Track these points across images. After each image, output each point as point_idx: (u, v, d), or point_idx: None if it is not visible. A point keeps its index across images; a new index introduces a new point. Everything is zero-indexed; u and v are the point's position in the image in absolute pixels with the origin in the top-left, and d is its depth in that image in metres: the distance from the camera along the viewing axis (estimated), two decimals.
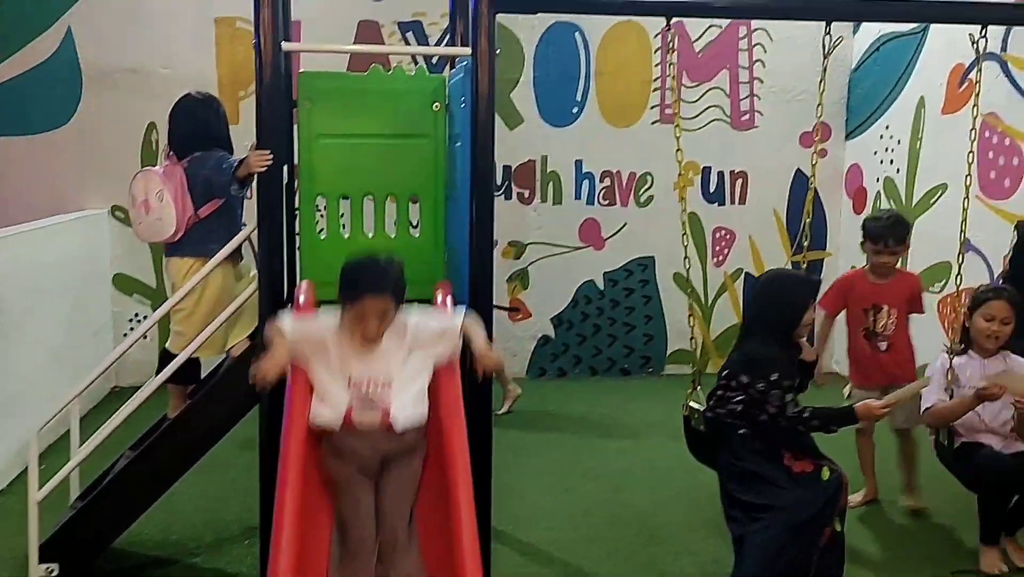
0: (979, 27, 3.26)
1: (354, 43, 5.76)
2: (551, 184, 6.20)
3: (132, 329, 5.64)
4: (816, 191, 6.35)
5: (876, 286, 4.10)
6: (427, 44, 5.97)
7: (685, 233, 3.49)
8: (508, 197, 6.17)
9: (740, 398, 3.03)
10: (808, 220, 3.53)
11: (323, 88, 3.57)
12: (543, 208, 6.21)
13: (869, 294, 4.08)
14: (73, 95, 5.65)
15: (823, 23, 3.42)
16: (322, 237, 3.62)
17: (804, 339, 3.24)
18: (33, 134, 5.63)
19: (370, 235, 3.67)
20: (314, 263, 3.61)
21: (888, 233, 4.04)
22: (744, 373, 3.03)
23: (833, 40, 3.32)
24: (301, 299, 2.99)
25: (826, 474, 3.02)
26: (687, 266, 3.47)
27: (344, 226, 3.64)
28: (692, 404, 3.31)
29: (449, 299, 3.06)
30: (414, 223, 3.70)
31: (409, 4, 5.89)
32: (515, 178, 6.17)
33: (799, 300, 3.12)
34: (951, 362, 3.58)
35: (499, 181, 6.14)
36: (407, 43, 5.93)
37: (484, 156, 3.14)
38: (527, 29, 5.99)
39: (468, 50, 3.11)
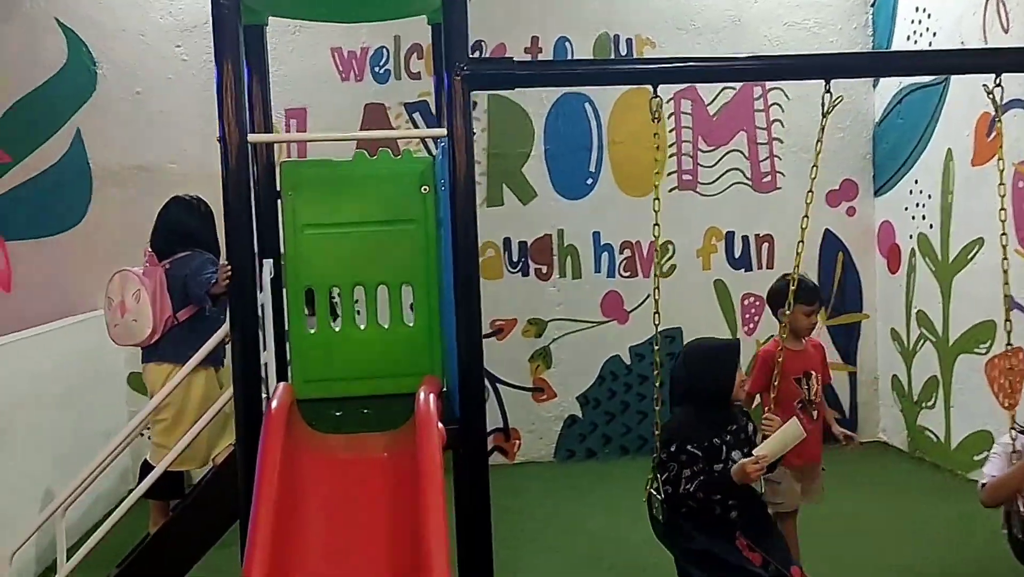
0: (993, 75, 3.03)
1: (360, 127, 5.72)
2: (569, 258, 6.02)
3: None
4: (848, 251, 6.18)
5: (800, 353, 3.81)
6: (436, 125, 5.88)
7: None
8: (525, 274, 6.00)
9: (664, 476, 2.99)
10: (794, 282, 3.27)
11: (306, 177, 3.47)
12: (562, 283, 6.03)
13: (797, 363, 3.75)
14: (83, 196, 5.66)
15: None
16: (312, 332, 3.47)
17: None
18: (44, 237, 5.62)
19: (362, 327, 3.53)
20: (304, 360, 3.47)
21: (814, 293, 3.90)
22: (661, 449, 3.02)
23: (833, 99, 3.10)
24: (274, 404, 2.81)
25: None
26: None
27: (335, 319, 3.49)
28: (652, 491, 3.06)
29: (432, 397, 2.85)
30: (408, 312, 3.54)
31: (414, 85, 5.84)
32: (532, 254, 6.00)
33: (728, 366, 3.08)
34: (1016, 444, 3.18)
35: (515, 258, 5.98)
36: (414, 125, 5.87)
37: (466, 237, 2.96)
38: (536, 102, 5.89)
39: (444, 131, 2.96)
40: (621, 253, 6.05)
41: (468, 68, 2.90)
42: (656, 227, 3.14)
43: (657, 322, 3.15)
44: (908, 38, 5.75)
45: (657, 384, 3.18)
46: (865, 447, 4.43)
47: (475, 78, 2.93)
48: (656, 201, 3.15)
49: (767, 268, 6.10)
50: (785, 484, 3.69)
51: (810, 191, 3.14)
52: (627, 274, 6.06)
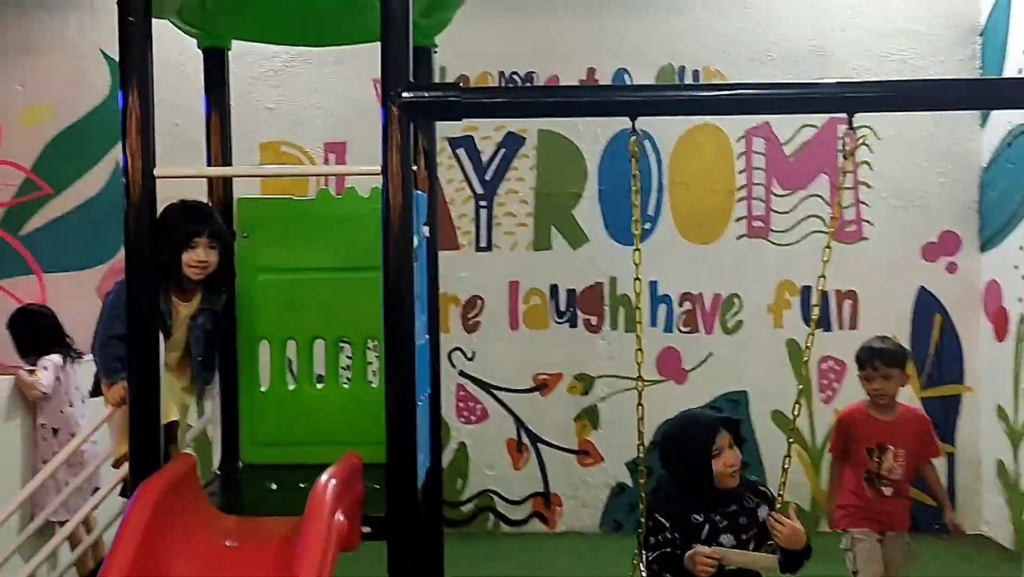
0: None
1: None
2: (622, 309, 5.48)
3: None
4: (947, 313, 5.38)
5: (881, 423, 3.59)
6: (479, 162, 5.51)
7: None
8: (573, 325, 5.50)
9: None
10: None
11: (263, 215, 3.13)
12: (613, 336, 5.48)
13: (872, 433, 3.59)
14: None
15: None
16: (263, 389, 3.11)
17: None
18: (79, 270, 5.53)
19: (319, 386, 3.14)
20: (254, 420, 3.11)
21: (875, 355, 3.60)
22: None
23: (856, 139, 2.53)
24: (147, 482, 2.40)
25: None
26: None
27: (291, 376, 3.12)
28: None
29: (332, 482, 2.39)
30: (372, 371, 3.13)
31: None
32: (580, 303, 5.49)
33: (700, 445, 2.68)
34: None
35: (563, 307, 5.49)
36: (457, 161, 5.50)
37: (397, 290, 2.52)
38: (589, 139, 5.43)
39: (378, 169, 2.53)
40: (680, 306, 5.46)
41: (407, 95, 2.48)
42: (637, 281, 2.67)
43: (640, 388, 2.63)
44: (1021, 71, 4.97)
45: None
46: (962, 539, 3.79)
47: (415, 107, 2.51)
48: (636, 252, 2.66)
49: (849, 328, 5.37)
50: (867, 546, 3.55)
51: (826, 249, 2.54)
52: (687, 329, 5.46)
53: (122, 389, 2.72)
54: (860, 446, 3.60)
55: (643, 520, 2.69)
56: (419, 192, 3.14)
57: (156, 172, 2.58)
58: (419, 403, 2.78)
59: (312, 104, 5.45)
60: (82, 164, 5.52)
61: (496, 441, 5.50)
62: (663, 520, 2.68)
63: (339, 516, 2.32)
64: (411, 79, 2.52)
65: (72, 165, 5.52)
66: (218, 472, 3.13)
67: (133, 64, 2.56)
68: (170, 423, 2.78)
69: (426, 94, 2.54)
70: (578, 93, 2.80)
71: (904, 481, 3.59)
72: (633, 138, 2.57)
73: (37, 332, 4.46)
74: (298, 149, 5.48)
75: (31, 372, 4.28)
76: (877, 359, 3.58)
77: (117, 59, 5.59)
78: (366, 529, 2.54)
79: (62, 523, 3.74)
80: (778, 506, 2.68)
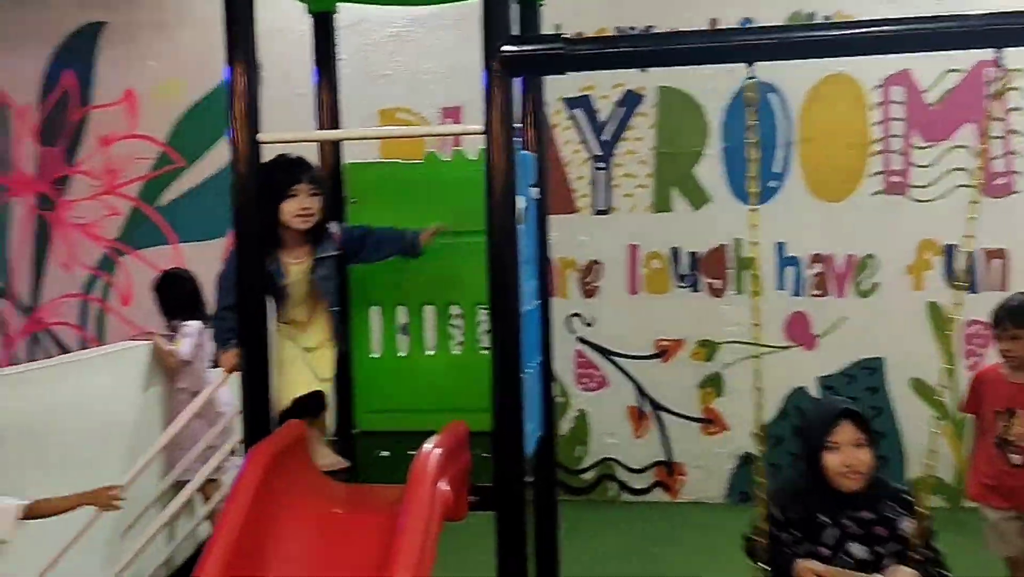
0: None
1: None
2: (746, 272, 5.25)
3: None
4: None
5: (1012, 385, 3.36)
6: (596, 122, 5.36)
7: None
8: (695, 289, 5.31)
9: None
10: None
11: (371, 181, 3.09)
12: (738, 301, 5.26)
13: (1003, 395, 3.38)
14: None
15: None
16: (375, 356, 3.10)
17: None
18: (212, 239, 5.70)
19: (429, 352, 3.11)
20: (367, 387, 3.10)
21: (1008, 315, 3.36)
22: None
23: (1006, 80, 2.26)
24: (258, 446, 2.43)
25: None
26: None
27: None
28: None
29: (436, 452, 2.35)
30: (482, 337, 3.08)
31: (575, 79, 5.33)
32: (702, 266, 5.30)
33: (815, 432, 2.47)
34: None
35: (684, 270, 5.31)
36: (574, 121, 5.37)
37: (503, 256, 2.45)
38: (711, 95, 5.20)
39: (480, 127, 2.46)
40: (810, 268, 5.19)
41: (507, 49, 2.39)
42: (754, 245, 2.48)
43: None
44: None
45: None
46: None
47: (517, 61, 2.41)
48: (752, 212, 2.46)
49: (999, 289, 4.98)
50: (996, 523, 3.39)
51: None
52: (817, 292, 5.19)
53: (234, 356, 2.75)
54: (989, 409, 3.41)
55: (761, 500, 2.46)
56: (527, 152, 3.07)
57: (260, 137, 2.57)
58: (527, 371, 2.73)
59: (428, 69, 5.42)
60: (212, 136, 5.68)
61: (616, 408, 5.40)
62: (782, 513, 2.47)
63: (443, 486, 2.29)
64: (513, 33, 2.43)
65: (203, 137, 5.70)
66: (333, 438, 3.16)
67: (238, 32, 2.56)
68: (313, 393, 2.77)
69: (528, 47, 2.44)
70: (688, 39, 2.59)
71: None
72: (751, 81, 2.35)
73: (181, 296, 4.55)
74: (415, 115, 5.48)
75: (169, 339, 4.41)
76: (1007, 318, 3.37)
77: None
78: (473, 499, 2.52)
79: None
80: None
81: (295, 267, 2.77)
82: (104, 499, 2.81)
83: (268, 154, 2.65)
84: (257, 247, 2.58)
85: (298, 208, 2.69)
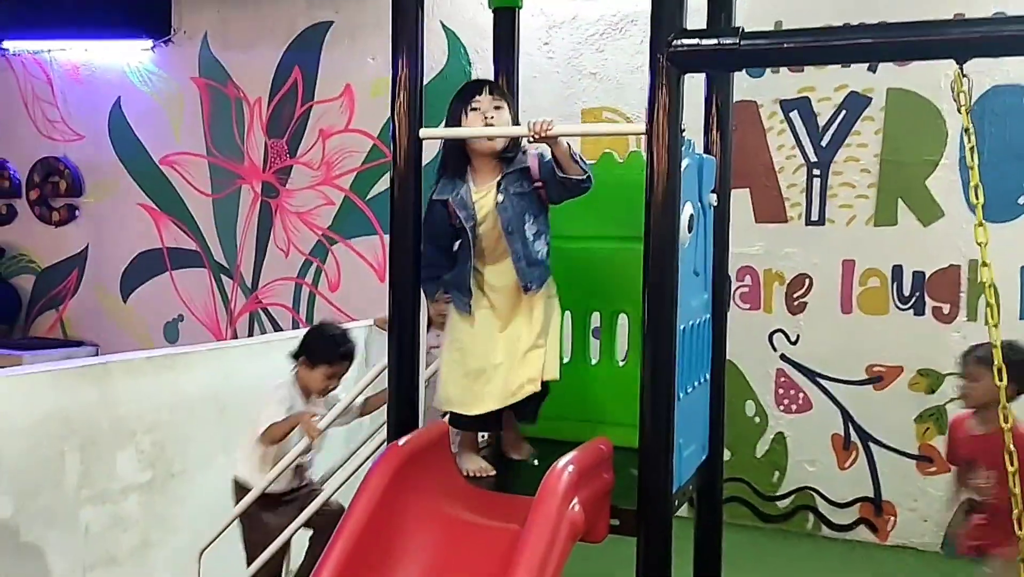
0: None
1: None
2: (982, 297, 4.65)
3: None
4: None
5: (974, 437, 3.21)
6: (815, 126, 4.96)
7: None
8: (920, 312, 4.78)
9: None
10: None
11: None
12: (970, 329, 4.67)
13: (967, 446, 3.26)
14: None
15: None
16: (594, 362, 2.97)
17: None
18: None
19: (593, 361, 2.96)
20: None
21: (965, 356, 3.27)
22: None
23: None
24: (399, 442, 2.37)
25: None
26: None
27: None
28: None
29: (569, 468, 2.19)
30: None
31: (794, 80, 4.96)
32: (929, 288, 4.76)
33: None
34: None
35: (907, 291, 4.79)
36: (790, 126, 4.99)
37: (661, 263, 2.25)
38: (949, 97, 4.63)
39: (642, 127, 2.28)
40: None
41: (676, 44, 2.20)
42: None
43: None
44: None
45: None
46: None
47: (686, 56, 2.21)
48: (980, 229, 2.15)
49: None
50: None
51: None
52: None
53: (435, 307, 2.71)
54: (960, 460, 3.35)
55: None
56: (708, 156, 2.84)
57: (422, 133, 2.53)
58: (688, 389, 2.52)
59: (635, 67, 5.23)
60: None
61: (819, 435, 4.97)
62: None
63: (575, 506, 2.13)
64: (685, 25, 2.23)
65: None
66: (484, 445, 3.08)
67: (403, 28, 2.54)
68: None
69: (700, 41, 2.22)
70: (887, 32, 2.28)
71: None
72: (962, 80, 2.05)
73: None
74: (620, 115, 5.31)
75: None
76: (966, 360, 3.28)
77: (454, 31, 5.82)
78: (615, 522, 2.34)
79: None
80: None
81: (483, 200, 2.43)
82: (308, 424, 3.08)
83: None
84: (413, 249, 2.53)
85: (480, 121, 2.46)
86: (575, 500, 2.13)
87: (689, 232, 2.52)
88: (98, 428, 3.14)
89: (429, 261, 2.52)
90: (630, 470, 2.43)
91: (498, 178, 2.45)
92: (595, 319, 2.96)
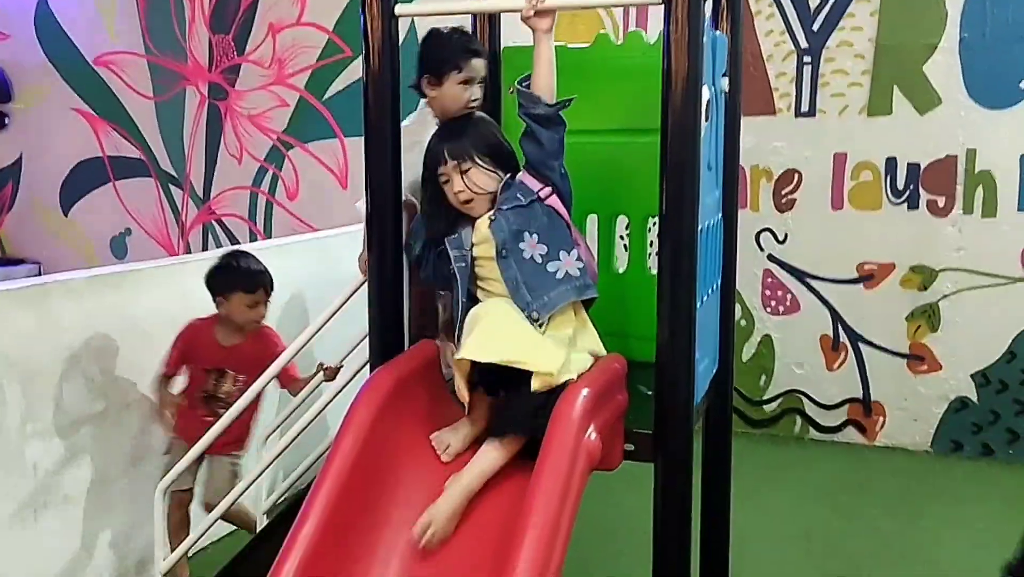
0: None
1: None
2: (981, 188, 4.44)
3: None
4: None
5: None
6: (807, 7, 4.62)
7: None
8: (913, 206, 4.56)
9: None
10: None
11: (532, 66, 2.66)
12: (966, 222, 4.48)
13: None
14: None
15: None
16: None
17: None
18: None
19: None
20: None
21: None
22: None
23: None
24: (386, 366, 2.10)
25: None
26: None
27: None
28: None
29: (584, 392, 1.93)
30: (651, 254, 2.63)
31: None
32: (924, 180, 4.53)
33: None
34: None
35: (900, 184, 4.56)
36: (778, 7, 4.66)
37: (681, 159, 1.97)
38: None
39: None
40: None
41: None
42: None
43: None
44: None
45: None
46: None
47: None
48: None
49: None
50: None
51: None
52: None
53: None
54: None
55: None
56: (718, 33, 2.53)
57: (398, 10, 2.18)
58: (703, 297, 2.26)
59: None
60: None
61: (808, 336, 4.80)
62: None
63: (591, 433, 1.89)
64: None
65: None
66: None
67: None
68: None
69: None
70: None
71: None
72: None
73: None
74: None
75: None
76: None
77: None
78: (629, 447, 2.11)
79: None
80: None
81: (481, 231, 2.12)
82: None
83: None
84: (390, 140, 2.21)
85: (454, 191, 2.11)
86: (591, 427, 1.89)
87: (706, 121, 2.22)
88: (39, 358, 2.82)
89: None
90: (641, 388, 2.20)
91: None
92: (590, 222, 2.68)
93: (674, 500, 2.06)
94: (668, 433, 2.03)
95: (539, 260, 2.07)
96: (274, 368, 2.86)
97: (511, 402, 1.97)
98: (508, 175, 2.13)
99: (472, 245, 2.12)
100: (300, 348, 2.81)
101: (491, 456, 1.94)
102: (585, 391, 1.90)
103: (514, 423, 1.94)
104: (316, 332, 2.77)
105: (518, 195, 2.10)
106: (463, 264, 2.12)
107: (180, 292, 3.30)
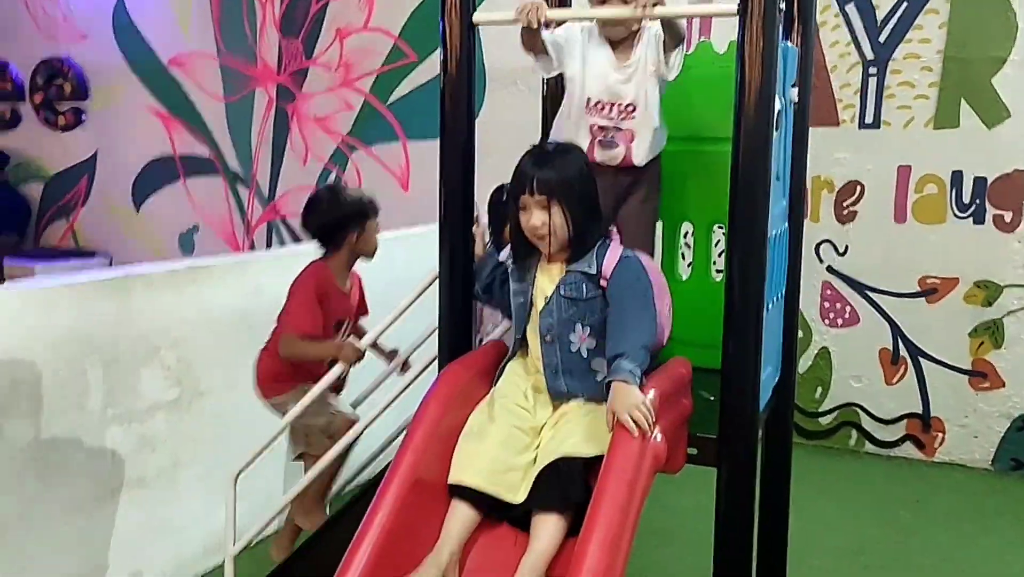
0: None
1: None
2: None
3: None
4: None
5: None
6: (874, 18, 4.60)
7: None
8: (979, 221, 4.51)
9: None
10: None
11: None
12: None
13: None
14: (478, 97, 5.45)
15: None
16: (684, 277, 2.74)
17: None
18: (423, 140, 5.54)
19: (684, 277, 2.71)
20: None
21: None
22: None
23: None
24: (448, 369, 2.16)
25: None
26: None
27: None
28: None
29: (652, 392, 1.97)
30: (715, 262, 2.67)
31: None
32: (990, 195, 4.48)
33: None
34: None
35: (966, 198, 4.52)
36: (845, 18, 4.64)
37: (752, 167, 2.00)
38: None
39: (732, 6, 1.99)
40: None
41: None
42: None
43: None
44: None
45: None
46: None
47: None
48: None
49: None
50: None
51: None
52: None
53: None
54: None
55: None
56: (788, 44, 2.55)
57: (476, 18, 2.25)
58: (768, 305, 2.29)
59: None
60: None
61: (866, 350, 4.77)
62: None
63: (657, 435, 1.93)
64: None
65: (436, 31, 5.46)
66: None
67: None
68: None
69: None
70: None
71: None
72: None
73: None
74: None
75: None
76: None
77: None
78: (692, 451, 2.14)
79: None
80: None
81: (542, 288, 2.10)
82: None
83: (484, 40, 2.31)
84: (463, 157, 2.28)
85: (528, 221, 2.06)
86: (657, 429, 1.93)
87: (775, 131, 2.25)
88: (120, 345, 2.94)
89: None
90: (704, 395, 2.23)
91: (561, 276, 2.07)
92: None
93: (737, 505, 2.09)
94: (733, 438, 2.06)
95: (585, 355, 2.04)
96: (371, 337, 2.92)
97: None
98: (585, 232, 2.05)
99: (533, 285, 2.10)
100: (387, 326, 2.84)
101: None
102: (652, 393, 1.94)
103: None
104: (401, 313, 2.79)
105: (583, 285, 2.04)
106: (521, 300, 2.11)
107: (252, 287, 3.41)
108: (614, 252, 2.05)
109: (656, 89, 2.36)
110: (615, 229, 2.18)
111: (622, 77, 2.34)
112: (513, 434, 2.00)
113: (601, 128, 2.37)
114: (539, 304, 2.08)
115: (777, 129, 2.28)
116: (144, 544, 3.10)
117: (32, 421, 2.66)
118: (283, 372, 2.98)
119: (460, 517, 1.93)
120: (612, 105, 2.36)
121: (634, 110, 2.35)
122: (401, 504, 1.90)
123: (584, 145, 2.33)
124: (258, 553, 3.18)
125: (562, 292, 2.04)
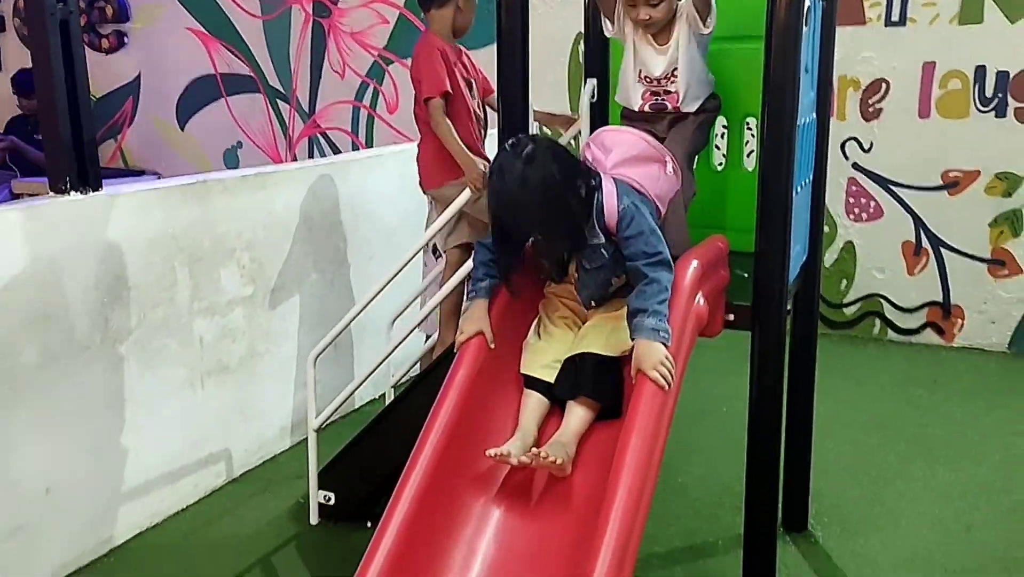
0: None
1: None
2: None
3: None
4: None
5: None
6: None
7: None
8: (1001, 114, 4.67)
9: None
10: None
11: None
12: None
13: None
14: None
15: None
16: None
17: None
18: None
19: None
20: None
21: None
22: None
23: None
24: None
25: None
26: None
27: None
28: None
29: (694, 264, 2.22)
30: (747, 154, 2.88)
31: None
32: (1012, 88, 4.62)
33: None
34: None
35: (989, 92, 4.66)
36: None
37: (784, 58, 2.21)
38: None
39: None
40: None
41: None
42: None
43: None
44: None
45: None
46: None
47: None
48: None
49: None
50: None
51: None
52: None
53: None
54: None
55: None
56: None
57: None
58: (797, 189, 2.52)
59: None
60: None
61: (890, 242, 4.98)
62: None
63: (700, 299, 2.19)
64: None
65: None
66: None
67: None
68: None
69: None
70: None
71: None
72: None
73: None
74: None
75: None
76: None
77: None
78: (729, 317, 2.40)
79: None
80: None
81: None
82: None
83: None
84: (521, 58, 2.48)
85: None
86: (699, 294, 2.19)
87: (806, 26, 2.44)
88: (202, 245, 3.22)
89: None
90: (738, 272, 2.48)
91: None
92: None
93: (769, 368, 2.37)
94: (766, 304, 2.33)
95: (613, 284, 2.21)
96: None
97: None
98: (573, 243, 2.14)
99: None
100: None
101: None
102: (695, 262, 2.20)
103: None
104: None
105: (599, 251, 2.13)
106: None
107: (312, 192, 3.68)
108: (610, 205, 2.11)
109: (696, 47, 2.55)
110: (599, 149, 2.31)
111: (663, 55, 2.55)
112: (566, 334, 2.24)
113: (652, 93, 2.60)
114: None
115: (807, 25, 2.49)
116: (230, 425, 3.44)
117: (132, 312, 2.96)
118: (443, 164, 3.33)
119: (531, 404, 2.17)
120: (656, 80, 2.57)
121: (676, 72, 2.55)
122: (439, 454, 1.97)
123: (639, 99, 2.60)
124: (329, 433, 3.51)
125: (587, 266, 2.17)
